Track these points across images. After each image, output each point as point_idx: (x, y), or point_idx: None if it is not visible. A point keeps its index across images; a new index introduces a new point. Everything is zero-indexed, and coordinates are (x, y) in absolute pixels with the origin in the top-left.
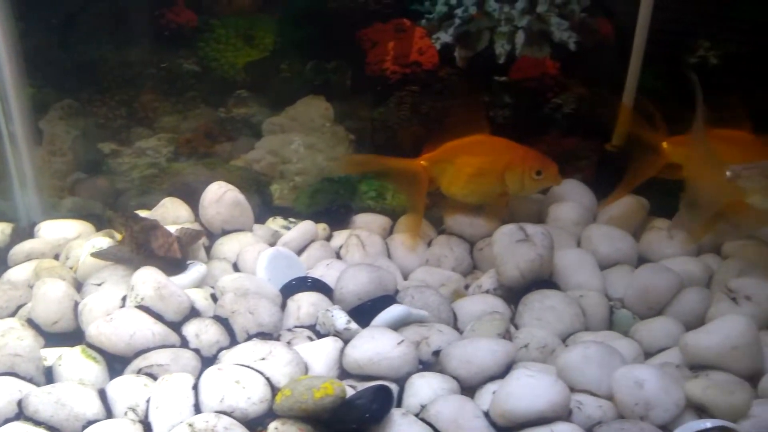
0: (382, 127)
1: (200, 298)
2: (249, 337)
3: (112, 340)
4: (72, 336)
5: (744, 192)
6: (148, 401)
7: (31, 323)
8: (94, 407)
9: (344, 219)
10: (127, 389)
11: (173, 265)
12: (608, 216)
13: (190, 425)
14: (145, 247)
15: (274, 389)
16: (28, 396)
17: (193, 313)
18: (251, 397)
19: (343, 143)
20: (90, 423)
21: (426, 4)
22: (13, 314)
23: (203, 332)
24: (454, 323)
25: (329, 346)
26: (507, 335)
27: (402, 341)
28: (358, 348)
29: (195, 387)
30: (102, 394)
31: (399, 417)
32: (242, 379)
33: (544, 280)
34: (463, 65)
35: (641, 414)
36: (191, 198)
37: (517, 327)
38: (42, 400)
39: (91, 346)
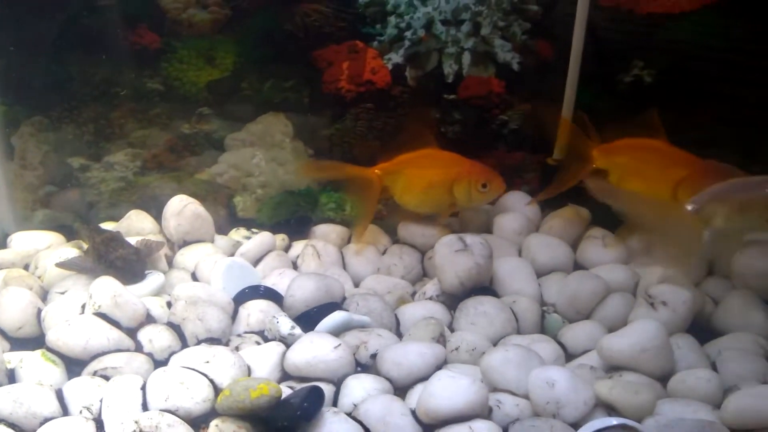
0: (339, 142)
1: (156, 306)
2: (198, 342)
3: (69, 344)
4: (36, 341)
5: (708, 220)
6: (101, 401)
7: None
8: (51, 406)
9: (304, 230)
10: (82, 390)
11: (132, 275)
12: (549, 226)
13: (136, 422)
14: (105, 258)
15: (217, 390)
16: None
17: (149, 319)
18: (194, 396)
19: (302, 158)
20: (46, 420)
21: (377, 26)
22: None
23: (156, 338)
24: (397, 328)
25: (272, 350)
26: (441, 339)
27: (339, 345)
28: (297, 352)
29: (143, 387)
30: (59, 394)
31: (330, 415)
32: (186, 381)
33: (484, 287)
34: (414, 84)
35: (553, 412)
36: (159, 210)
37: (453, 331)
38: (1, 399)
39: (50, 350)
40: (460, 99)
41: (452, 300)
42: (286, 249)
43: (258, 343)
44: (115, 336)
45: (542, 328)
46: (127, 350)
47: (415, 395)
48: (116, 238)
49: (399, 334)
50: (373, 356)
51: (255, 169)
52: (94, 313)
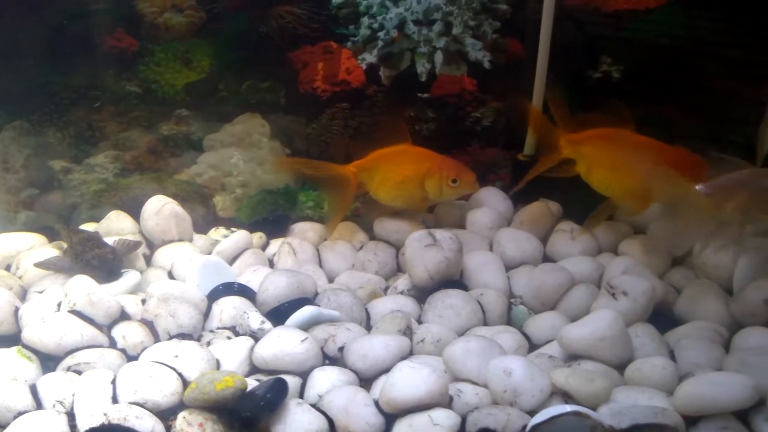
0: (316, 141)
1: (131, 303)
2: (170, 338)
3: (44, 341)
4: (13, 338)
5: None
6: (73, 395)
7: None
8: (25, 400)
9: (283, 228)
10: (55, 384)
11: (108, 273)
12: (520, 220)
13: (104, 414)
14: (81, 257)
15: (186, 383)
16: None
17: (124, 316)
18: (162, 390)
19: (280, 157)
20: (20, 414)
21: (351, 27)
22: None
23: (129, 334)
24: (367, 322)
25: (241, 344)
26: (407, 331)
27: (305, 339)
28: (265, 345)
29: (113, 381)
30: (33, 389)
31: (294, 406)
32: (155, 374)
33: (454, 280)
34: (388, 83)
35: (510, 400)
36: (139, 211)
37: (421, 324)
38: None
39: (26, 346)
40: (434, 97)
41: (422, 294)
42: (264, 247)
43: (229, 338)
44: (89, 332)
45: (509, 320)
46: (101, 346)
47: (379, 386)
48: (93, 238)
49: (369, 328)
50: (341, 349)
51: (234, 169)
52: (69, 311)
